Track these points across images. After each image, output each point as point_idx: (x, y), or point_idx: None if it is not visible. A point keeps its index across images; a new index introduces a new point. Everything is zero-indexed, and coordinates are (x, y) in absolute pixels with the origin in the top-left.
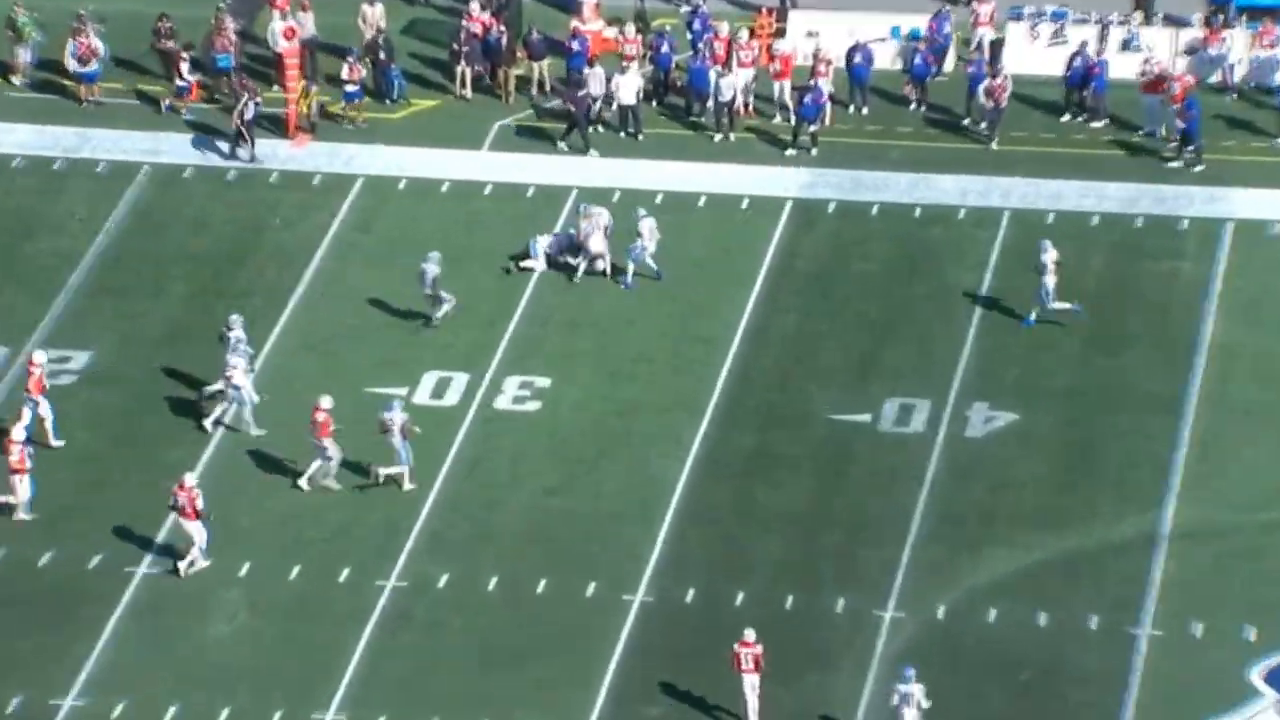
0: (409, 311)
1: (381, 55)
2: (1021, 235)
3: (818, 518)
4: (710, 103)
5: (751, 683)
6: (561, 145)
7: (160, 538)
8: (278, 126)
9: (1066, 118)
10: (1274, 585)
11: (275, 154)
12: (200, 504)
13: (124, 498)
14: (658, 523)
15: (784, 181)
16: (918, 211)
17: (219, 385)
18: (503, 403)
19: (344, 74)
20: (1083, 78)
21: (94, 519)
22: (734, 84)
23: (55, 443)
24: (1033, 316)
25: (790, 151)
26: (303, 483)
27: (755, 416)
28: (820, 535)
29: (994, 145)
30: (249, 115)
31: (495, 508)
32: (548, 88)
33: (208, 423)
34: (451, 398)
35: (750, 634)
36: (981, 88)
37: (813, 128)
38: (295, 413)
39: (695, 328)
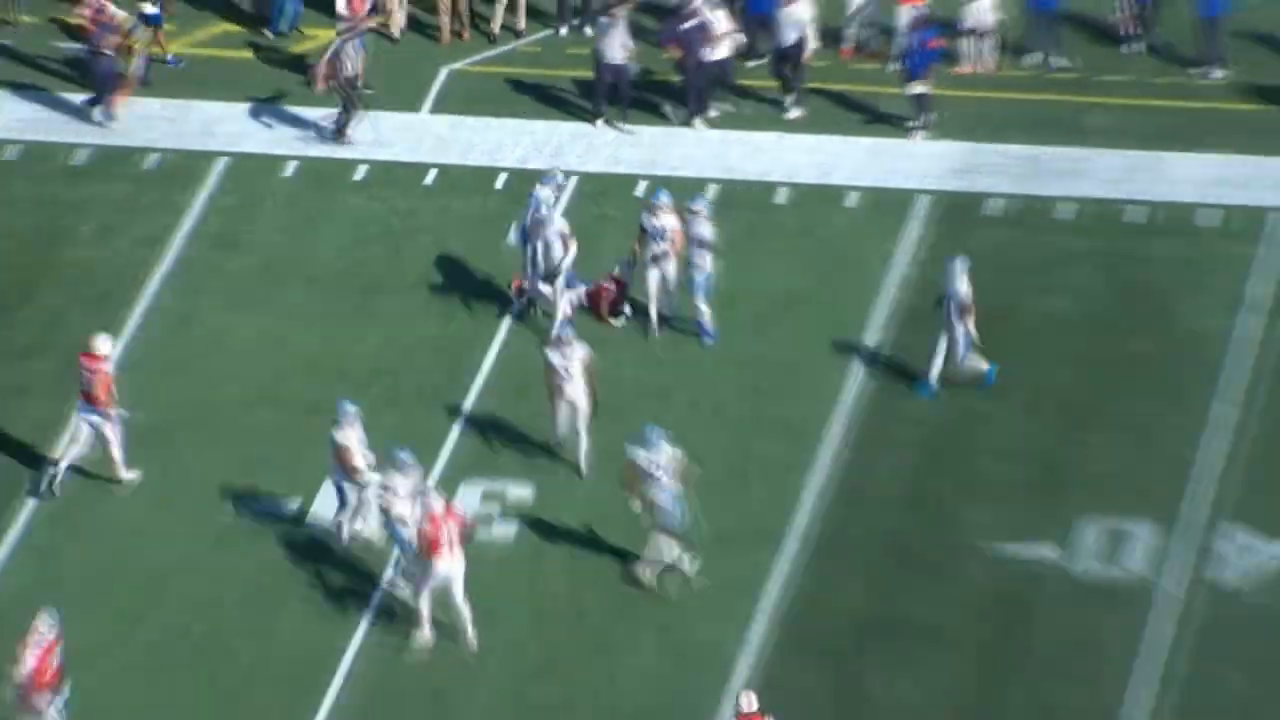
0: (303, 374)
1: None
2: None
3: (972, 715)
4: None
5: None
6: (696, 123)
7: None
8: (79, 71)
9: None
10: None
11: (75, 122)
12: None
13: None
14: None
15: (917, 163)
16: (1133, 213)
17: (349, 518)
18: None
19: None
20: None
21: None
22: (801, 18)
23: (127, 476)
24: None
25: (917, 134)
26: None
27: (868, 552)
28: None
29: None
30: (351, 67)
31: (446, 699)
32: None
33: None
34: (371, 519)
35: (751, 700)
36: None
37: (918, 88)
38: (112, 547)
39: (770, 407)
